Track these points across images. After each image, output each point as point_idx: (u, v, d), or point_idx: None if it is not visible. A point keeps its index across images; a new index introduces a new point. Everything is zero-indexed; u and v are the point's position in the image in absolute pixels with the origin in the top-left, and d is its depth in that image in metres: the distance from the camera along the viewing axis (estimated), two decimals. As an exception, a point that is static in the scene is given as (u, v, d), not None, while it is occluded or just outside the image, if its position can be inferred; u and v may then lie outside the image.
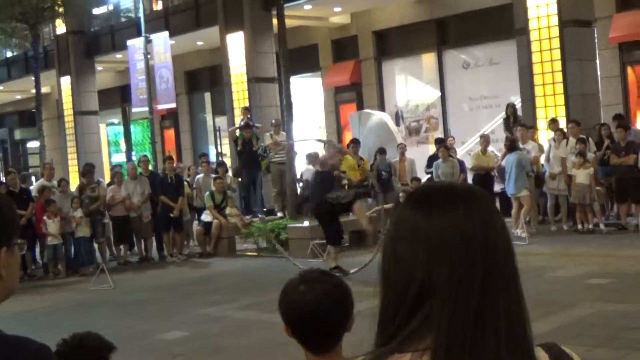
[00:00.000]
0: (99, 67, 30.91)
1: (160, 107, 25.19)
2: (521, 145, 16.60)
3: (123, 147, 34.56)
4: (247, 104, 22.70)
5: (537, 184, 16.56)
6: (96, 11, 30.17)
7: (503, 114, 19.21)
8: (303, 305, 2.51)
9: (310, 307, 2.50)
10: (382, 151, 18.16)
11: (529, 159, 16.25)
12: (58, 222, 16.10)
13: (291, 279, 2.63)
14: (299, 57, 23.60)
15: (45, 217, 15.97)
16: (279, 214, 18.56)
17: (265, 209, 19.44)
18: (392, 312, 1.46)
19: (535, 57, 17.88)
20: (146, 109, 24.35)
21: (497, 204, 18.16)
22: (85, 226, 16.55)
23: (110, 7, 29.92)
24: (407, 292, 1.43)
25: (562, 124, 17.04)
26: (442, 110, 23.59)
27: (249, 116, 20.34)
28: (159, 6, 28.69)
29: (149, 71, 23.78)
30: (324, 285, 2.55)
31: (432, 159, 18.50)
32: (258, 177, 19.39)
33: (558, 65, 17.60)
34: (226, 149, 26.09)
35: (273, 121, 20.01)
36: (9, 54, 35.96)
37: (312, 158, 18.24)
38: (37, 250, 16.67)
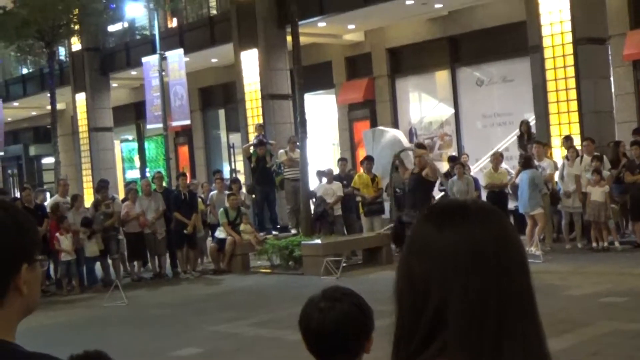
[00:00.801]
0: (113, 84, 31.08)
1: (175, 123, 25.29)
2: (537, 163, 16.54)
3: (137, 163, 34.67)
4: (261, 121, 22.76)
5: (552, 201, 16.50)
6: (111, 28, 30.35)
7: (517, 131, 19.19)
8: (322, 323, 2.50)
9: (329, 325, 2.49)
10: (396, 168, 18.14)
11: (543, 177, 16.20)
12: (71, 238, 16.16)
13: (312, 296, 2.62)
14: (313, 74, 23.67)
15: (57, 234, 16.03)
16: (293, 231, 18.56)
17: (279, 226, 19.45)
18: (407, 336, 1.46)
19: (549, 75, 17.86)
20: (160, 125, 24.44)
21: (512, 221, 18.15)
22: (94, 245, 16.51)
23: (126, 25, 30.08)
24: (421, 319, 1.43)
25: (577, 141, 17.00)
26: (456, 127, 23.57)
27: (262, 133, 20.39)
28: (173, 23, 28.84)
29: (164, 88, 23.89)
30: (345, 304, 2.54)
31: (446, 177, 18.46)
32: (272, 194, 19.42)
33: (572, 83, 17.57)
34: (240, 165, 26.15)
35: (290, 138, 20.05)
36: (24, 71, 36.19)
37: (326, 175, 18.27)
38: (52, 266, 16.72)
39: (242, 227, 17.59)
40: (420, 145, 15.62)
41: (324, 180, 18.28)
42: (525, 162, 16.19)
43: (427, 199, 14.20)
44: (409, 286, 1.46)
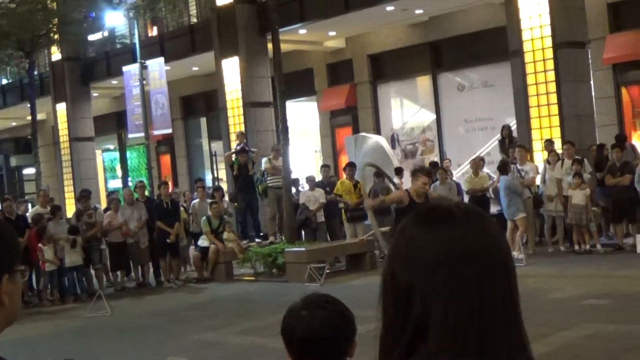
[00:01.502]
0: (94, 94, 30.99)
1: (156, 132, 25.22)
2: (519, 167, 16.60)
3: (119, 172, 34.55)
4: (242, 129, 22.74)
5: (535, 205, 16.54)
6: (91, 37, 30.25)
7: (498, 136, 19.28)
8: (305, 331, 2.49)
9: (313, 333, 2.48)
10: (378, 174, 18.15)
11: (525, 181, 16.23)
12: (53, 248, 16.07)
13: (293, 304, 2.61)
14: (295, 81, 23.69)
15: (40, 244, 15.94)
16: (271, 238, 18.55)
17: (262, 234, 19.42)
18: (391, 343, 1.45)
19: (530, 79, 17.95)
20: (142, 134, 24.37)
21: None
22: (75, 254, 16.40)
23: (106, 34, 29.99)
24: (405, 326, 1.42)
25: (558, 145, 17.08)
26: (438, 132, 23.65)
27: (245, 141, 20.37)
28: (154, 32, 28.79)
29: (145, 97, 23.83)
30: (326, 312, 2.53)
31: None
32: (254, 201, 19.38)
33: (553, 87, 17.67)
34: (222, 173, 26.10)
35: (273, 146, 20.04)
36: (4, 81, 36.00)
37: (308, 181, 18.27)
38: (34, 277, 16.59)
39: (225, 235, 17.55)
40: (422, 172, 11.55)
41: (306, 187, 18.28)
42: (501, 168, 16.20)
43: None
44: (392, 298, 1.45)
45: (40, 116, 30.86)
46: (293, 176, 18.76)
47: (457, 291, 1.40)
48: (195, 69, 27.54)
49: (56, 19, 25.14)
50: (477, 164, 17.84)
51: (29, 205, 23.91)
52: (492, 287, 1.42)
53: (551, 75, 17.67)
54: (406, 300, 1.43)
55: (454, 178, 18.97)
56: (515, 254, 14.93)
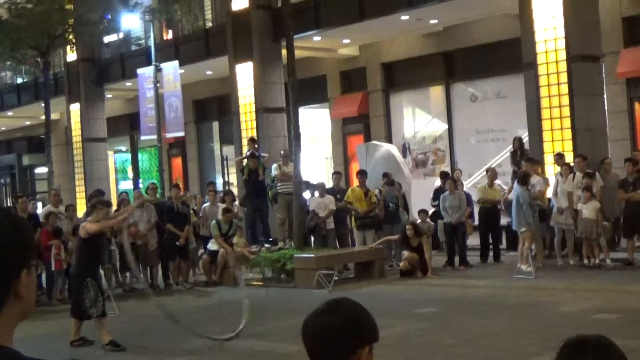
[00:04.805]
0: (108, 95, 31.11)
1: (169, 135, 25.29)
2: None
3: (130, 174, 34.66)
4: (254, 134, 22.78)
5: (542, 218, 16.48)
6: (107, 39, 30.39)
7: (510, 148, 19.25)
8: (315, 327, 2.50)
9: (322, 329, 2.48)
10: (389, 182, 18.18)
11: (532, 194, 16.13)
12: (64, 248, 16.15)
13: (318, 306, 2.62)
14: (307, 87, 23.72)
15: (54, 243, 16.02)
16: (280, 244, 18.56)
17: (271, 239, 19.44)
18: None
19: (543, 92, 17.93)
20: (154, 137, 24.46)
21: (504, 238, 18.19)
22: None
23: (121, 35, 30.13)
24: None
25: (569, 158, 17.05)
26: (449, 142, 23.65)
27: (255, 146, 20.41)
28: (169, 35, 28.91)
29: (158, 99, 23.91)
30: (342, 312, 2.52)
31: (437, 192, 18.51)
32: (263, 207, 19.38)
33: (565, 100, 17.63)
34: (233, 178, 26.16)
35: (282, 152, 20.08)
36: (19, 80, 36.19)
37: (318, 188, 18.28)
38: (43, 276, 16.65)
39: (235, 239, 17.58)
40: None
41: (316, 193, 18.30)
42: (523, 179, 15.90)
43: None
44: None
45: (54, 116, 31.04)
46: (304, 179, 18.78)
47: None
48: (209, 73, 27.62)
49: (72, 20, 25.25)
50: (493, 175, 17.84)
51: (39, 204, 24.04)
52: None
53: (564, 88, 17.64)
54: None
55: (465, 189, 18.95)
56: (523, 267, 14.92)
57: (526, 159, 17.50)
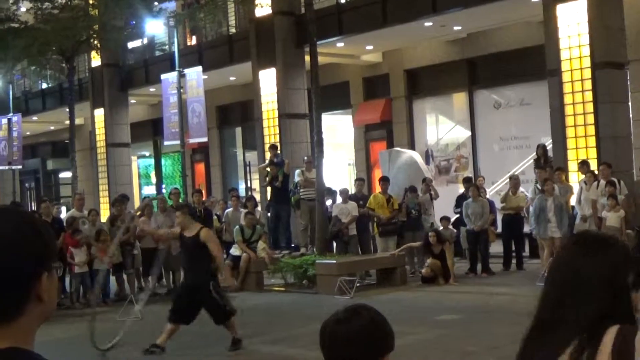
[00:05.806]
0: (132, 100, 31.27)
1: (192, 140, 25.35)
2: (539, 187, 16.50)
3: (154, 179, 34.81)
4: (277, 140, 22.83)
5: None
6: (131, 45, 30.57)
7: (533, 155, 19.16)
8: (334, 333, 2.50)
9: (342, 336, 2.48)
10: (412, 189, 18.15)
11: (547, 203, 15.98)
12: (85, 251, 16.24)
13: (337, 309, 2.62)
14: (330, 94, 23.75)
15: (72, 247, 16.12)
16: (302, 250, 18.57)
17: (292, 245, 19.47)
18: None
19: (567, 99, 17.83)
20: (178, 142, 24.53)
21: (527, 246, 18.10)
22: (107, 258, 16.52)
23: (145, 41, 30.30)
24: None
25: (594, 166, 16.94)
26: (472, 149, 23.58)
27: (277, 153, 20.46)
28: (193, 41, 29.04)
29: (182, 105, 24.00)
30: (361, 319, 2.53)
31: (460, 199, 18.46)
32: (283, 212, 19.40)
33: (590, 107, 17.52)
34: (256, 184, 26.21)
35: (305, 158, 20.10)
36: (44, 85, 36.48)
37: (341, 194, 18.30)
38: (67, 279, 16.76)
39: (260, 244, 17.60)
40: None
41: (339, 199, 18.31)
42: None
43: None
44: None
45: (78, 121, 31.25)
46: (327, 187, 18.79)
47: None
48: (232, 78, 27.72)
49: (97, 26, 25.44)
50: (517, 182, 17.77)
51: (63, 208, 24.19)
52: None
53: (589, 96, 17.53)
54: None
55: (487, 196, 18.89)
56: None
57: (541, 166, 17.45)
